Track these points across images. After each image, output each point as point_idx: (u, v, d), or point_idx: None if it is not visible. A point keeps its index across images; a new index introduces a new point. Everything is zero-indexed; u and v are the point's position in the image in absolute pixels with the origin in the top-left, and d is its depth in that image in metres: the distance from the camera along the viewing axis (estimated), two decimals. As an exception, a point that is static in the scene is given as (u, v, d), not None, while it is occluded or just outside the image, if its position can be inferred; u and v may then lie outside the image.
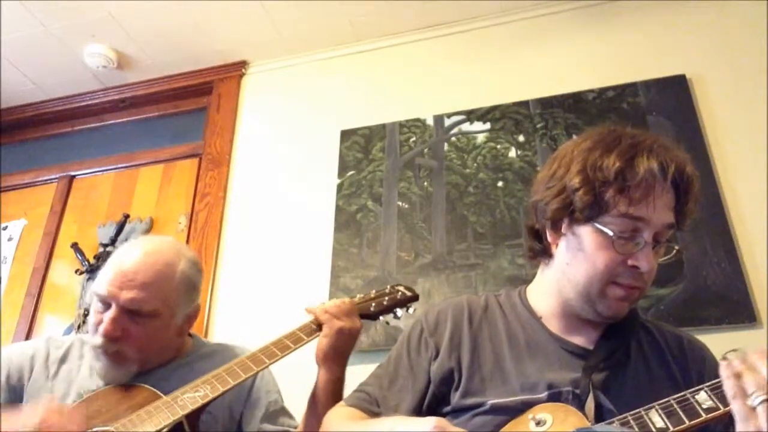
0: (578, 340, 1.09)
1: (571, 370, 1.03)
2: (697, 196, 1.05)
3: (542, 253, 1.14)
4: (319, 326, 1.35)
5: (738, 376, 0.80)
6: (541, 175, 1.13)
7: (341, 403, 1.18)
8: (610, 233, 1.01)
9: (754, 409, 0.77)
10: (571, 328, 1.10)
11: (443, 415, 1.06)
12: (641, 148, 1.01)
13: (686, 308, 1.85)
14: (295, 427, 1.39)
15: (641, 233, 1.01)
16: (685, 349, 1.11)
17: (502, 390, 1.03)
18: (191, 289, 1.39)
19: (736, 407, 0.78)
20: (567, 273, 1.07)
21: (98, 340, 1.29)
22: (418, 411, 1.08)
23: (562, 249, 1.09)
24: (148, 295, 1.30)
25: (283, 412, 1.41)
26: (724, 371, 0.81)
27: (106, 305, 1.30)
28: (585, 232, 1.04)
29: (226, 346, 1.50)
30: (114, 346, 1.28)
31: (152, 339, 1.33)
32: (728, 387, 0.80)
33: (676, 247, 1.06)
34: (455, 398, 1.06)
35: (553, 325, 1.11)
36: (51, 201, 2.86)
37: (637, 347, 1.09)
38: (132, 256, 1.34)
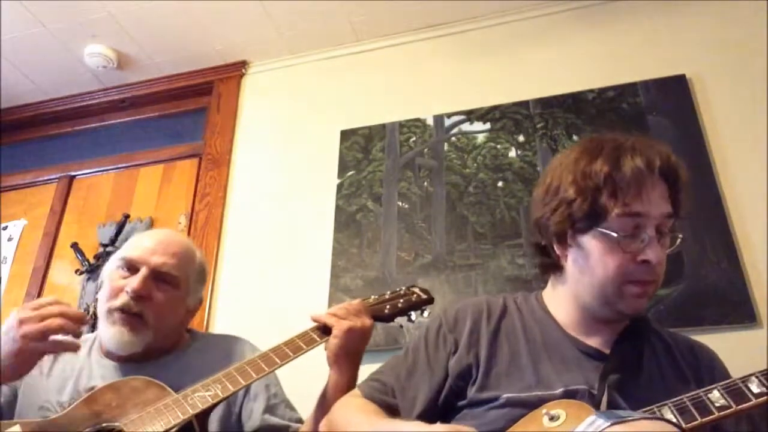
0: (594, 342, 1.11)
1: (586, 372, 1.06)
2: (686, 184, 1.09)
3: (553, 267, 1.17)
4: (329, 329, 1.33)
5: None
6: (536, 193, 1.18)
7: (355, 392, 1.19)
8: (614, 235, 1.04)
9: None
10: (588, 332, 1.12)
11: (459, 409, 1.09)
12: (624, 149, 1.06)
13: (686, 308, 1.84)
14: (299, 420, 1.40)
15: (643, 229, 1.04)
16: (696, 353, 1.14)
17: (518, 385, 1.05)
18: (202, 279, 1.50)
19: None
20: (581, 282, 1.11)
21: (121, 299, 1.34)
22: (434, 403, 1.11)
23: (571, 260, 1.12)
24: (176, 262, 1.40)
25: (285, 404, 1.42)
26: None
27: (134, 269, 1.38)
28: (590, 239, 1.08)
29: (226, 337, 1.53)
30: (138, 306, 1.34)
31: (169, 310, 1.40)
32: None
33: (680, 235, 1.09)
34: (471, 392, 1.09)
35: (570, 329, 1.13)
36: (51, 201, 2.86)
37: (650, 351, 1.12)
38: (159, 234, 1.47)
